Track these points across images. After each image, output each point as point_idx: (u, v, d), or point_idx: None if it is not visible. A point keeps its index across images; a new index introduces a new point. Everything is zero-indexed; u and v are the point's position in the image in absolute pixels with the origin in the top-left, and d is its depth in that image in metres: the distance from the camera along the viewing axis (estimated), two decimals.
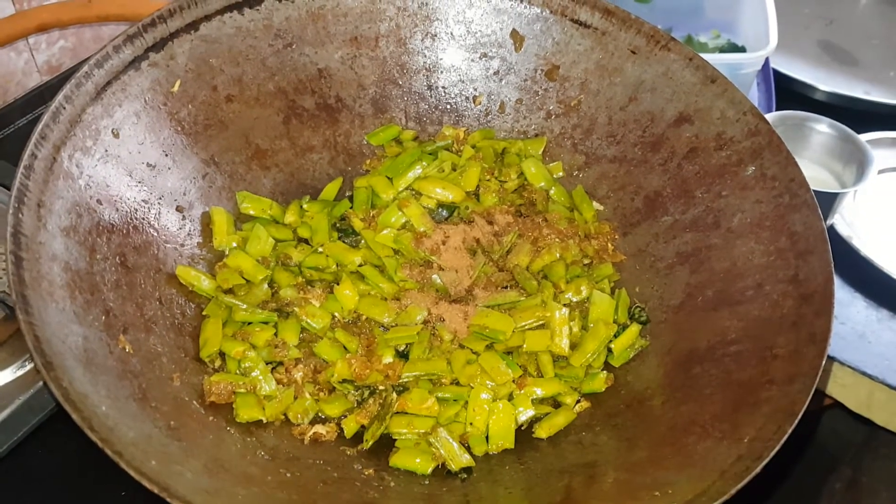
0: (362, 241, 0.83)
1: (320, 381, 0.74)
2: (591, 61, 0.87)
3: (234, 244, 0.81)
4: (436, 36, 0.90)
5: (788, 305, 0.71)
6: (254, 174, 0.85)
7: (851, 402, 0.90)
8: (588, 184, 0.89)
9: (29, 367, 0.76)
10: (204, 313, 0.76)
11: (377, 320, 0.77)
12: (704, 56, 0.84)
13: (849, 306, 0.94)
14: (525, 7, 0.88)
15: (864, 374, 0.88)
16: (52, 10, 1.05)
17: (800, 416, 0.62)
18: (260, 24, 0.83)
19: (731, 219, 0.79)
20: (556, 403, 0.76)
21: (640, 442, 0.70)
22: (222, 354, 0.74)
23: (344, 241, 0.83)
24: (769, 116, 0.92)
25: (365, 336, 0.76)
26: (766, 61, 1.13)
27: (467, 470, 0.70)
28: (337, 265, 0.81)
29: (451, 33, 0.90)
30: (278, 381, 0.73)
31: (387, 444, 0.71)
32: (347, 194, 0.89)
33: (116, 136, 0.74)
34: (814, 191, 0.75)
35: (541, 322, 0.77)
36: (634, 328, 0.79)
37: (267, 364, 0.73)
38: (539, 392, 0.75)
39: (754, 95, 1.13)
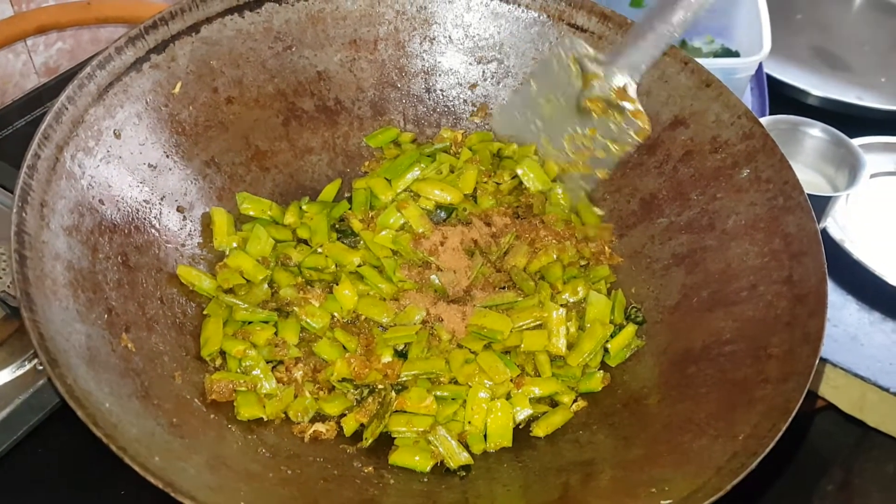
0: (361, 242, 0.83)
1: (320, 380, 0.74)
2: None
3: (235, 244, 0.81)
4: (434, 39, 0.91)
5: (782, 306, 0.72)
6: (254, 175, 0.86)
7: (844, 404, 0.91)
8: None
9: (28, 366, 0.76)
10: (205, 312, 0.76)
11: (376, 320, 0.78)
12: (699, 61, 0.85)
13: (841, 309, 0.95)
14: (522, 11, 0.89)
15: (856, 375, 0.88)
16: (51, 12, 1.06)
17: (794, 414, 0.63)
18: (260, 27, 0.84)
19: (726, 221, 0.80)
20: (553, 402, 0.77)
21: (636, 440, 0.70)
22: (223, 353, 0.74)
23: (343, 242, 0.83)
24: (763, 121, 0.93)
25: (364, 336, 0.77)
26: (760, 66, 1.14)
27: (466, 468, 0.70)
28: (336, 265, 0.81)
29: (450, 37, 0.91)
30: (278, 380, 0.73)
31: (386, 442, 0.72)
32: (346, 195, 0.89)
33: (118, 136, 0.74)
34: (807, 194, 0.77)
35: (538, 322, 0.78)
36: (630, 328, 0.80)
37: (267, 363, 0.74)
38: (537, 391, 0.76)
39: (748, 100, 1.14)
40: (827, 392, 0.91)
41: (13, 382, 0.75)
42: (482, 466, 0.71)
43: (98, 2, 1.07)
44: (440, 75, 0.92)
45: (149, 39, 0.76)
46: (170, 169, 0.79)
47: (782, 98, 1.20)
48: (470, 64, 0.92)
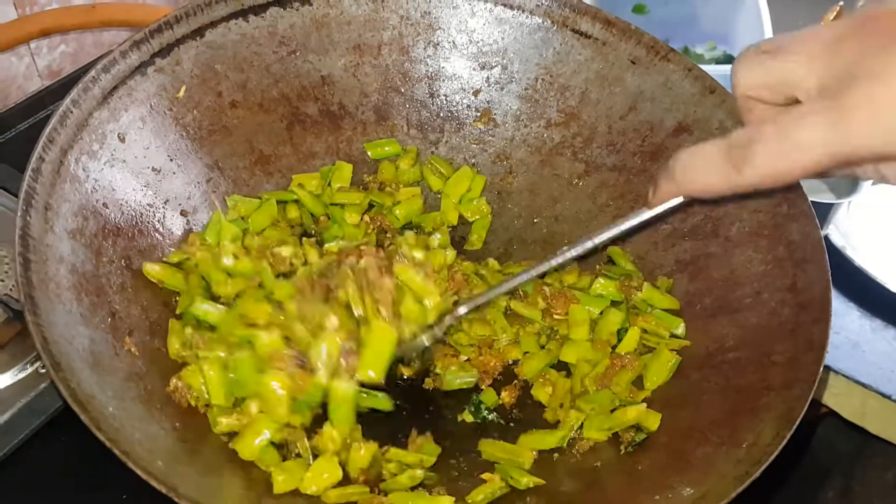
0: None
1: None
2: (592, 71, 0.88)
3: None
4: (438, 45, 0.91)
5: (786, 313, 0.72)
6: (257, 179, 0.86)
7: (845, 411, 0.91)
8: (588, 192, 0.89)
9: (30, 369, 0.76)
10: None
11: None
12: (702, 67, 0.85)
13: (843, 316, 0.95)
14: (526, 17, 0.89)
15: (858, 382, 0.88)
16: (54, 16, 1.06)
17: (798, 422, 0.63)
18: (265, 31, 0.84)
19: (730, 228, 0.80)
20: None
21: (639, 448, 0.70)
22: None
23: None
24: None
25: None
26: None
27: None
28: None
29: (454, 42, 0.91)
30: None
31: None
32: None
33: (122, 140, 0.74)
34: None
35: None
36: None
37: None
38: None
39: None
40: (829, 399, 0.91)
41: (15, 386, 0.75)
42: None
43: (102, 5, 1.07)
44: (444, 80, 0.92)
45: (153, 43, 0.76)
46: (174, 173, 0.79)
47: None
48: (473, 69, 0.92)
